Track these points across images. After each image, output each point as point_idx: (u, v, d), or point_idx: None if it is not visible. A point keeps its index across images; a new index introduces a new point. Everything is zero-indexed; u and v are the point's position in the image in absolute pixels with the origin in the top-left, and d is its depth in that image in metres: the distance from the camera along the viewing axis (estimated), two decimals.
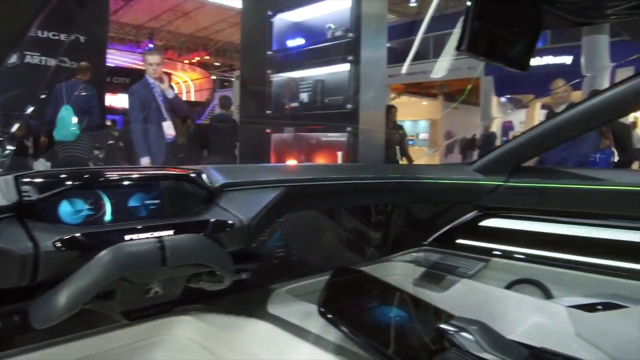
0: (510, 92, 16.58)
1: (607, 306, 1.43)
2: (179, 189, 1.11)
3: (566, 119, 1.57)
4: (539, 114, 14.40)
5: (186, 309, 1.34)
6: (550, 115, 4.94)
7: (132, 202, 1.02)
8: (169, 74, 15.93)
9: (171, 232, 1.00)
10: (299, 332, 1.17)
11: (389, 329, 1.05)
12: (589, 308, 1.44)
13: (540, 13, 0.79)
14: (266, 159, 4.63)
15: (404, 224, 2.01)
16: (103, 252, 0.89)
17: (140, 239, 0.95)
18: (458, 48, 0.70)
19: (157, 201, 1.05)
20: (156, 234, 0.98)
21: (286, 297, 1.47)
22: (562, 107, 4.84)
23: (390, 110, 6.41)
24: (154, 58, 4.58)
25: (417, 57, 17.06)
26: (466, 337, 0.91)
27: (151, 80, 4.55)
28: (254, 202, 1.19)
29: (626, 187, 1.51)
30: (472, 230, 1.88)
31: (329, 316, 1.05)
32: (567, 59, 14.12)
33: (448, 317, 1.00)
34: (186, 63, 26.95)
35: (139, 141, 4.32)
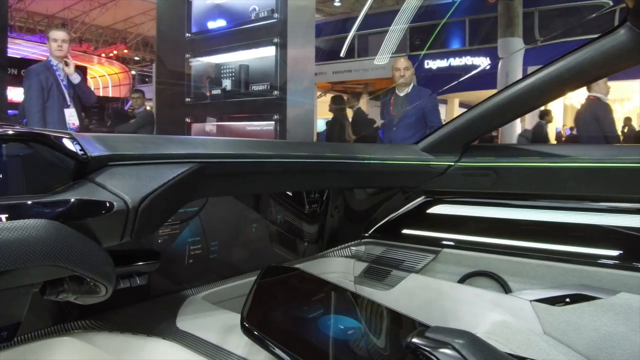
0: (432, 90, 17.12)
1: (576, 298, 1.27)
2: (32, 157, 0.76)
3: (517, 94, 1.40)
4: (458, 110, 15.04)
5: (67, 327, 1.02)
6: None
7: None
8: (84, 67, 15.04)
9: (3, 217, 0.66)
10: (217, 353, 0.89)
11: (340, 347, 0.78)
12: (555, 301, 1.28)
13: None
14: None
15: (342, 213, 1.77)
16: None
17: None
18: None
19: None
20: None
21: (203, 305, 1.18)
22: (406, 89, 4.64)
23: None
24: (58, 34, 4.10)
25: (342, 56, 17.19)
26: (450, 355, 0.65)
27: (54, 62, 4.12)
28: (149, 178, 0.84)
29: (590, 164, 1.36)
30: (419, 218, 1.68)
31: (256, 333, 0.77)
32: (484, 60, 14.68)
33: (419, 328, 0.74)
34: (103, 57, 25.65)
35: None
